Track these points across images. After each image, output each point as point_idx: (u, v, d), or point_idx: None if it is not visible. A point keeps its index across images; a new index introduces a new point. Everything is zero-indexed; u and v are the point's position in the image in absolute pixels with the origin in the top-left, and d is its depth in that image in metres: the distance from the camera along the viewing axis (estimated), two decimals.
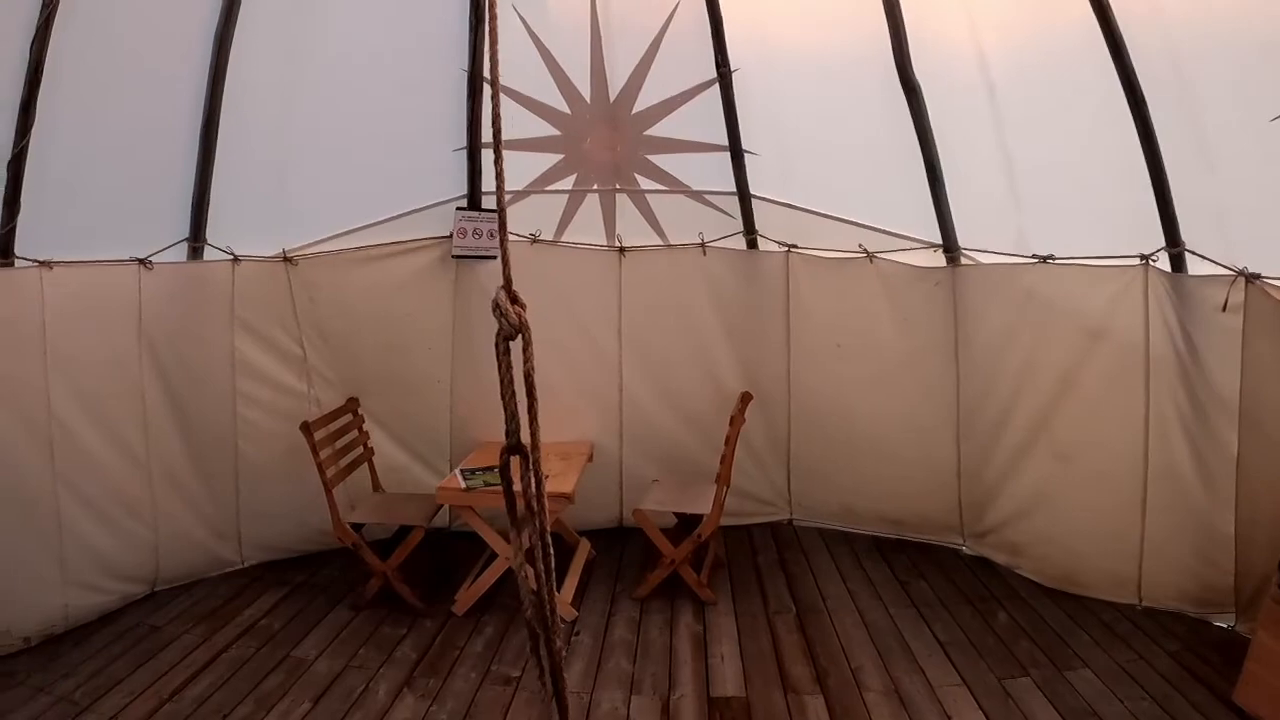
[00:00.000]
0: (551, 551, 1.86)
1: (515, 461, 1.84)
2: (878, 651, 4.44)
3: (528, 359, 1.75)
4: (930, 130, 5.10)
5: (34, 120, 4.22)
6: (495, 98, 1.73)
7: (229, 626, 4.79)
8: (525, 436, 1.79)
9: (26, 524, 4.49)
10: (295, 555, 5.59)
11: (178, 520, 5.19)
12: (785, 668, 4.32)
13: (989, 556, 5.47)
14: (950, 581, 5.24)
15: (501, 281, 1.73)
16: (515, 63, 5.25)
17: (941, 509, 5.67)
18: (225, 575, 5.38)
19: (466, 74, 5.42)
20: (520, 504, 1.89)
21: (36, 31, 4.13)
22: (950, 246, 5.35)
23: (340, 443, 5.28)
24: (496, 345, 1.76)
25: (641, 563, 5.50)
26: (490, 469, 5.05)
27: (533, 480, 1.80)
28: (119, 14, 4.47)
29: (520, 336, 1.74)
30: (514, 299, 1.73)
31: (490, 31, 1.81)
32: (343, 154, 5.30)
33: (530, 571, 1.91)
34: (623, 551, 5.81)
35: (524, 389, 1.76)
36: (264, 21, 4.91)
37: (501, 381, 1.75)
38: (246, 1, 4.79)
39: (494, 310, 1.73)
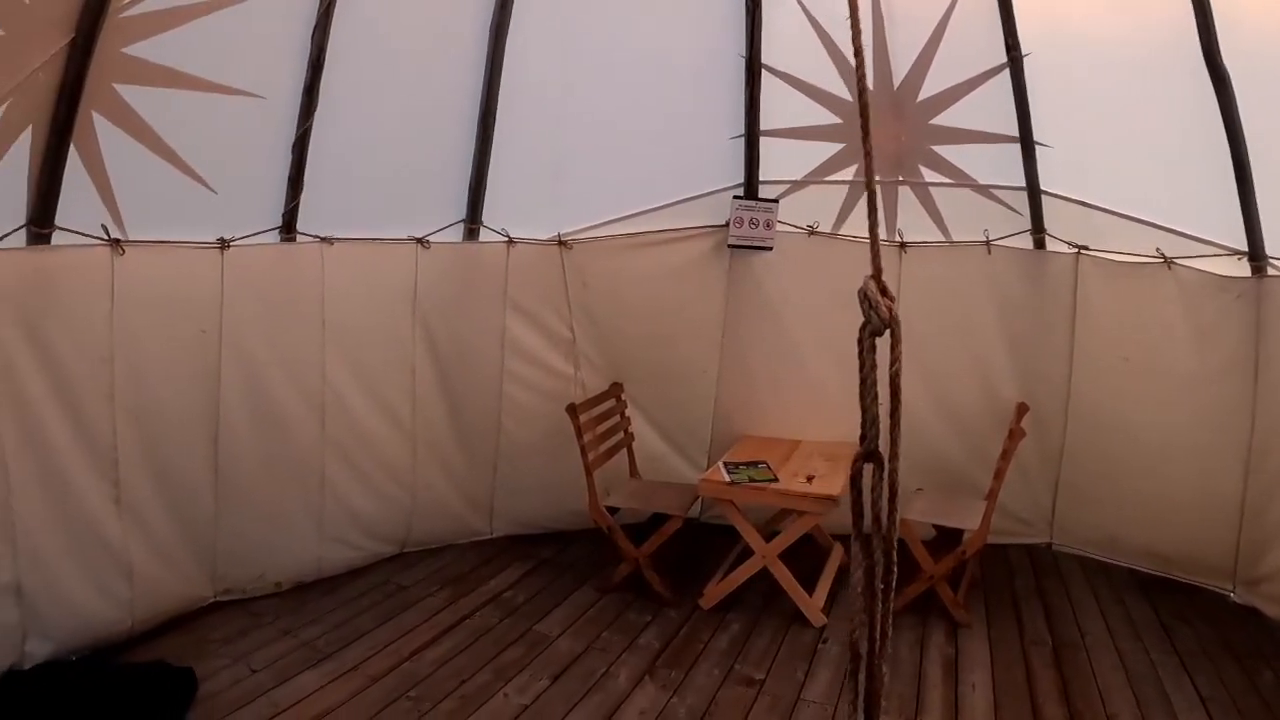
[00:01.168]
0: (895, 571, 1.68)
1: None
2: (1136, 700, 4.01)
3: (895, 359, 1.58)
4: (1240, 124, 4.56)
5: (316, 104, 4.44)
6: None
7: (473, 594, 4.90)
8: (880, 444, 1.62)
9: (294, 480, 4.78)
10: (543, 532, 5.65)
11: (435, 488, 5.38)
12: (1038, 705, 3.97)
13: (1259, 607, 4.85)
14: (1216, 630, 4.68)
15: (872, 271, 1.56)
16: (794, 48, 5.12)
17: (1215, 548, 5.06)
18: (473, 544, 5.53)
19: (745, 59, 5.30)
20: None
21: (317, 20, 4.34)
22: (1257, 255, 4.77)
23: (603, 427, 5.32)
24: (860, 341, 1.59)
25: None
26: (754, 464, 4.96)
27: (885, 492, 1.63)
28: (399, 3, 4.67)
29: (890, 333, 1.56)
30: (883, 291, 1.55)
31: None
32: (617, 140, 5.32)
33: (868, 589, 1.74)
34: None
35: (888, 391, 1.58)
36: (539, 10, 5.00)
37: (863, 382, 1.58)
38: None
39: (861, 302, 1.57)
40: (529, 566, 5.27)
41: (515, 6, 4.96)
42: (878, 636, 1.76)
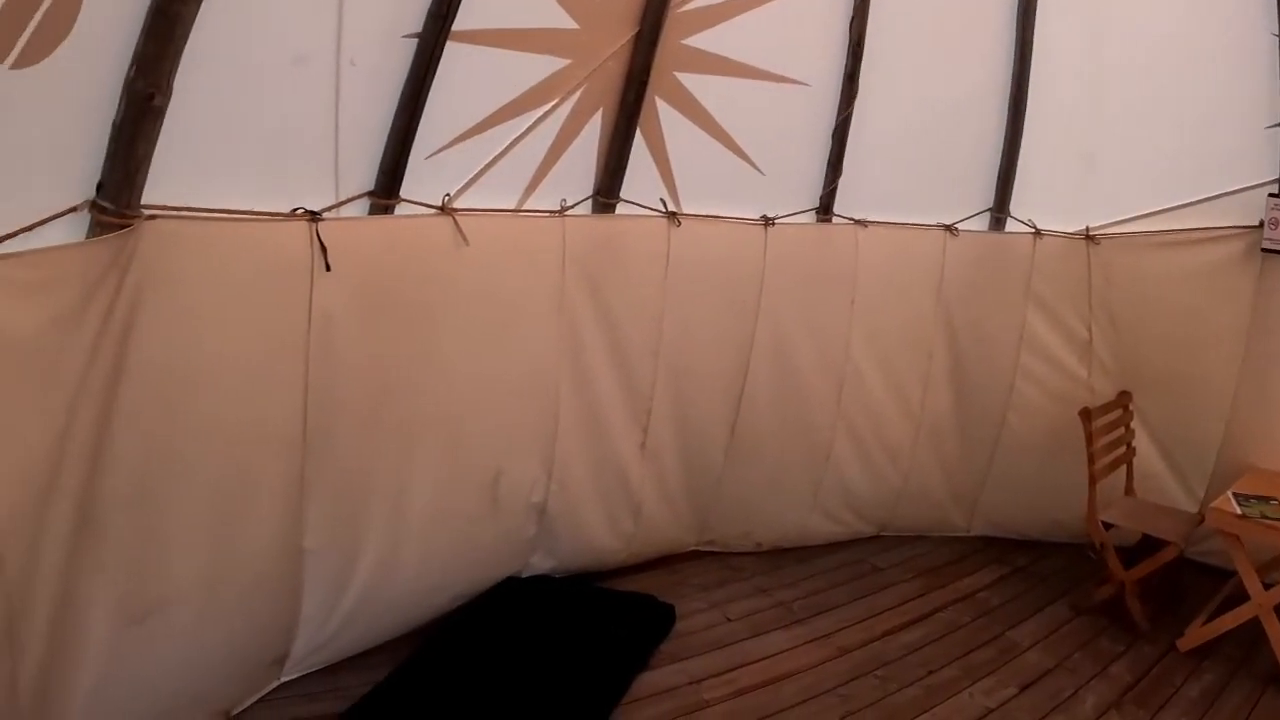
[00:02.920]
0: None
1: None
2: None
3: None
4: None
5: (857, 91, 4.51)
6: None
7: (946, 589, 4.79)
8: None
9: (802, 448, 4.95)
10: (1020, 538, 5.39)
11: (926, 475, 5.31)
12: None
13: None
14: None
15: None
16: None
17: None
18: (947, 539, 5.39)
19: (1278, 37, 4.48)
20: None
21: (855, 8, 4.40)
22: None
23: (1110, 437, 4.90)
24: None
25: None
26: (1266, 499, 4.31)
27: None
28: None
29: None
30: None
31: None
32: (1144, 129, 4.86)
33: None
34: None
35: None
36: None
37: None
38: None
39: None
40: (1004, 571, 5.06)
41: None
42: None
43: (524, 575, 4.36)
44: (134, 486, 2.83)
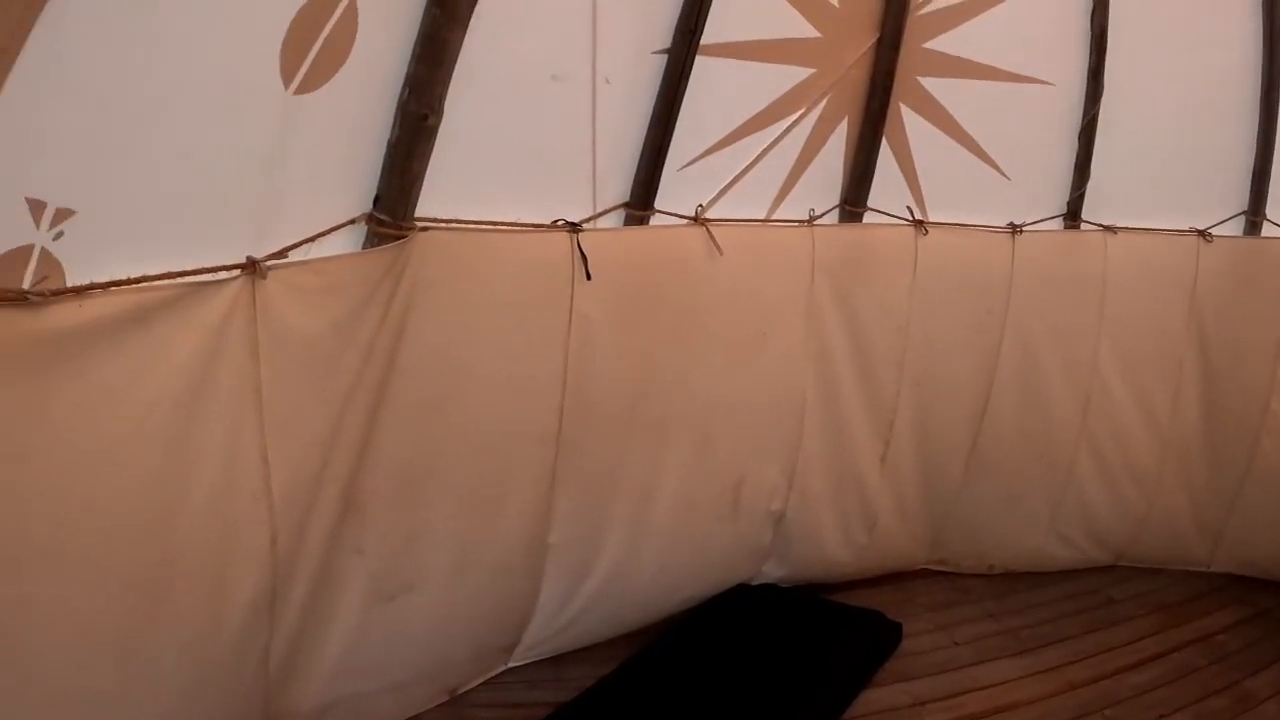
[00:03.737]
0: None
1: None
2: None
3: None
4: None
5: (1102, 89, 4.35)
6: None
7: (1182, 628, 4.50)
8: None
9: (1042, 465, 4.76)
10: (1267, 578, 5.00)
11: (1171, 501, 5.01)
12: None
13: None
14: None
15: None
16: None
17: None
18: (1187, 573, 5.05)
19: None
20: None
21: (1095, 3, 4.23)
22: None
23: None
24: None
25: None
26: None
27: None
28: None
29: None
30: None
31: None
32: None
33: None
34: None
35: None
36: None
37: None
38: None
39: None
40: (1246, 613, 4.70)
41: None
42: None
43: (754, 583, 4.38)
44: (397, 476, 3.07)
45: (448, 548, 3.28)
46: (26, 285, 2.06)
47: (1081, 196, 4.54)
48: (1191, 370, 4.87)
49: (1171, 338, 4.82)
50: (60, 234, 2.10)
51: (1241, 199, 4.79)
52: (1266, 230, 4.80)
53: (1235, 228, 4.83)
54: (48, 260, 2.10)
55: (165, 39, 2.23)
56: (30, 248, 2.07)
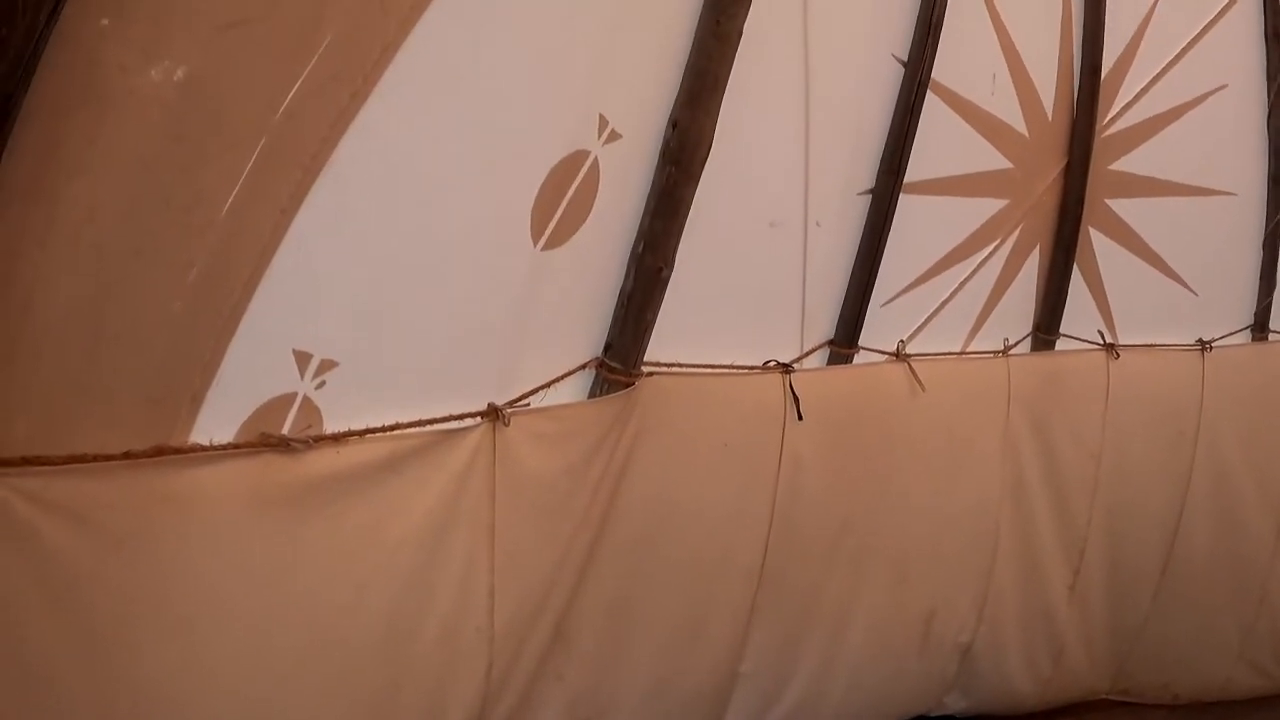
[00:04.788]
0: None
1: None
2: None
3: None
4: None
5: None
6: None
7: None
8: None
9: (1234, 591, 4.58)
10: None
11: None
12: None
13: None
14: None
15: None
16: None
17: None
18: None
19: None
20: None
21: (1270, 105, 4.25)
22: None
23: None
24: None
25: None
26: None
27: None
28: None
29: None
30: None
31: None
32: None
33: None
34: None
35: None
36: None
37: None
38: None
39: None
40: None
41: None
42: None
43: (933, 715, 4.28)
44: (605, 606, 3.12)
45: (644, 675, 3.29)
46: (288, 431, 2.14)
47: (1269, 307, 4.45)
48: None
49: None
50: (322, 383, 2.20)
51: None
52: None
53: None
54: (308, 408, 2.19)
55: (435, 202, 2.35)
56: (293, 396, 2.16)
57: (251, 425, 2.09)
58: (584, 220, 2.69)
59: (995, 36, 3.76)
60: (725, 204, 3.07)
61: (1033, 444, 4.10)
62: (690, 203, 2.90)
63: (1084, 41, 3.90)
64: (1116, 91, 3.99)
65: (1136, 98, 4.02)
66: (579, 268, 2.77)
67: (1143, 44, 4.00)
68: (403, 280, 2.32)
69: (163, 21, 1.79)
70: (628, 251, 2.90)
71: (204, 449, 2.01)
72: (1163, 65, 4.02)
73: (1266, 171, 4.33)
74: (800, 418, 3.40)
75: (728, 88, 2.87)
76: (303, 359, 2.15)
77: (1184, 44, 4.03)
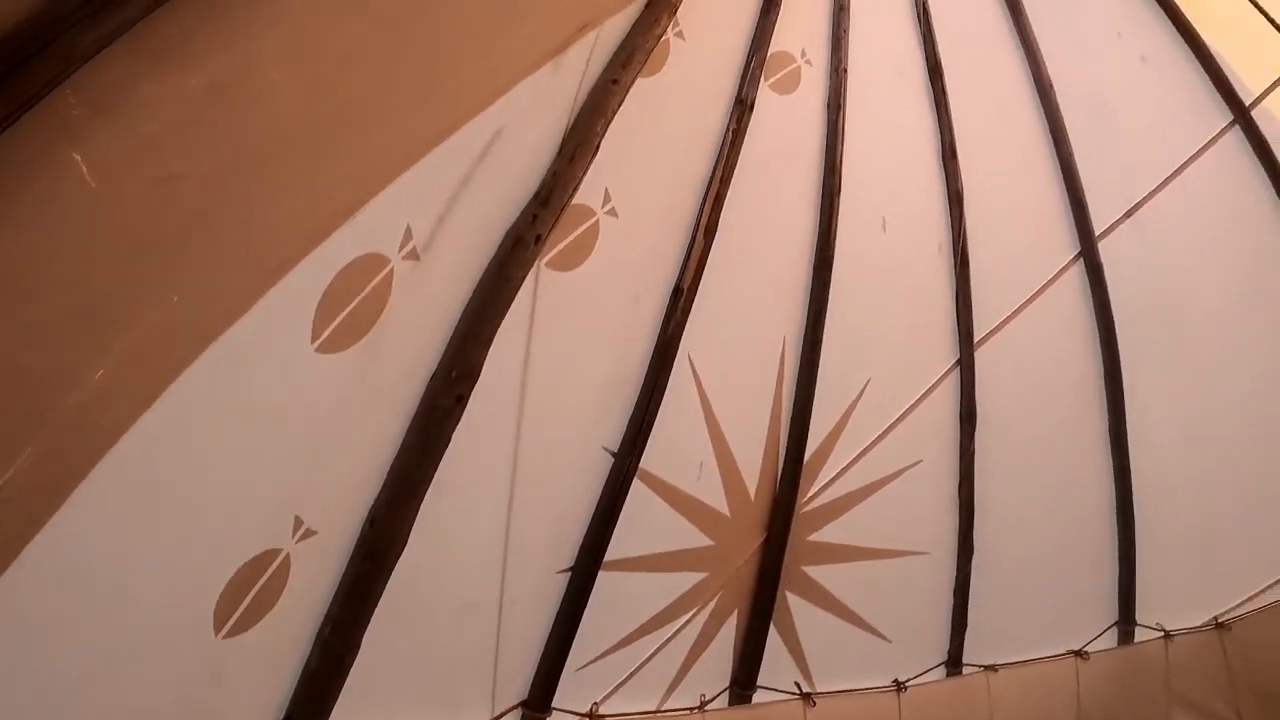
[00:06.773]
0: None
1: None
2: None
3: None
4: None
5: (972, 550, 4.72)
6: None
7: None
8: None
9: None
10: None
11: None
12: None
13: None
14: None
15: None
16: None
17: None
18: None
19: None
20: None
21: (961, 474, 4.69)
22: None
23: None
24: None
25: None
26: None
27: None
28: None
29: None
30: None
31: None
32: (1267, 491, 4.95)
33: None
34: None
35: None
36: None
37: None
38: None
39: None
40: None
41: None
42: None
43: None
44: None
45: None
46: None
47: (961, 644, 4.84)
48: None
49: None
50: None
51: (1112, 609, 5.11)
52: (1139, 634, 5.10)
53: (1111, 639, 5.13)
54: None
55: (115, 609, 2.45)
56: None
57: None
58: (270, 610, 2.82)
59: (706, 428, 3.96)
60: (421, 588, 3.24)
61: None
62: (380, 594, 3.05)
63: (790, 427, 4.11)
64: (819, 470, 4.26)
65: (838, 475, 4.31)
66: (263, 653, 2.89)
67: (850, 422, 4.22)
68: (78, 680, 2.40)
69: None
70: (314, 634, 3.02)
71: None
72: (865, 445, 4.25)
73: (957, 530, 4.75)
74: None
75: (433, 482, 3.05)
76: None
77: (888, 423, 4.27)
